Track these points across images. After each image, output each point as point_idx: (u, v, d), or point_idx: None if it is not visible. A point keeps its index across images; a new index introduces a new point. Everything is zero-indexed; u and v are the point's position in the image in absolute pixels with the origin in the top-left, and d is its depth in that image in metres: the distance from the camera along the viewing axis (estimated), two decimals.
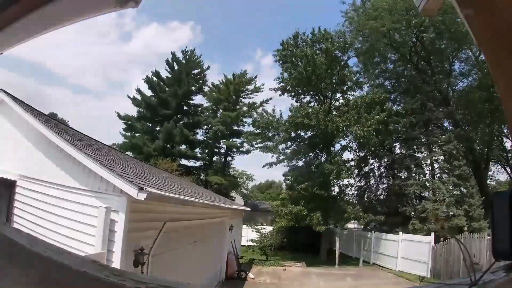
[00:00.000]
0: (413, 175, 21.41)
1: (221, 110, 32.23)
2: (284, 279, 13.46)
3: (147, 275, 4.74)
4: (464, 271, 11.35)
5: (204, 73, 33.40)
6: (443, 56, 22.31)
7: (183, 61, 32.27)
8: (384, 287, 12.94)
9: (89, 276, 0.58)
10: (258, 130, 21.56)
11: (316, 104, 21.02)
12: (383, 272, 15.62)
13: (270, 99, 30.78)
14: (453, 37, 19.94)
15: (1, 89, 6.38)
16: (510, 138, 20.37)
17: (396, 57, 23.36)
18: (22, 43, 0.97)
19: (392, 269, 15.67)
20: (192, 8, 60.39)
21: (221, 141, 31.85)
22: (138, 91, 30.72)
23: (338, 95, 21.39)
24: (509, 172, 23.25)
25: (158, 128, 30.39)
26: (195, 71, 32.85)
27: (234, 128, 31.55)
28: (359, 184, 23.82)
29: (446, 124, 22.15)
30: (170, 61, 32.27)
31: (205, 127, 32.56)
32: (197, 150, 32.21)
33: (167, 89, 31.06)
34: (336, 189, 20.67)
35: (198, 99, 34.51)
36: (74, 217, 4.93)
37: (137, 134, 29.73)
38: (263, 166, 21.16)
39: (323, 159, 20.19)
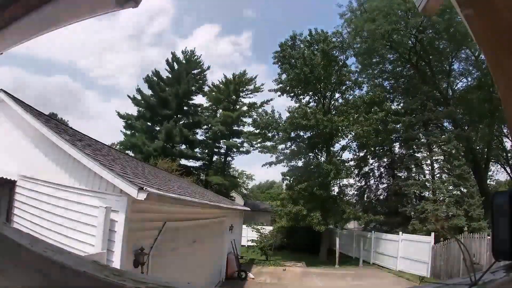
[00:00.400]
0: (413, 175, 21.42)
1: (221, 110, 32.25)
2: (284, 279, 13.45)
3: (147, 275, 4.74)
4: (464, 271, 11.36)
5: (204, 73, 33.46)
6: (442, 56, 22.32)
7: (183, 61, 32.30)
8: (384, 287, 12.94)
9: (89, 276, 0.58)
10: (258, 130, 21.57)
11: (315, 104, 21.03)
12: (383, 272, 15.62)
13: (271, 99, 30.86)
14: (453, 37, 19.95)
15: (1, 89, 6.38)
16: (510, 138, 20.38)
17: (395, 58, 23.37)
18: (22, 43, 0.97)
19: (392, 269, 15.67)
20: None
21: (221, 141, 31.88)
22: (138, 90, 30.77)
23: (337, 95, 21.43)
24: (509, 172, 23.26)
25: (158, 128, 30.41)
26: (195, 71, 32.88)
27: (234, 128, 31.57)
28: (359, 184, 23.86)
29: (446, 124, 22.18)
30: (170, 61, 32.31)
31: (205, 127, 32.60)
32: (197, 150, 32.24)
33: (167, 88, 31.09)
34: (336, 189, 20.69)
35: (198, 99, 34.56)
36: (74, 217, 4.93)
37: (137, 134, 29.74)
38: (263, 166, 21.20)
39: (322, 159, 20.20)
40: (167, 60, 32.38)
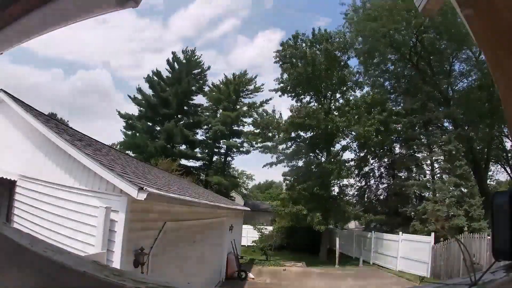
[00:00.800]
0: (413, 175, 21.41)
1: (221, 110, 32.25)
2: (284, 279, 13.45)
3: (147, 275, 4.74)
4: (464, 271, 11.35)
5: (205, 73, 33.47)
6: (443, 56, 22.31)
7: (184, 61, 32.31)
8: (384, 287, 12.94)
9: (89, 276, 0.58)
10: (258, 130, 21.56)
11: (316, 104, 21.02)
12: (383, 272, 15.61)
13: (270, 99, 30.84)
14: (453, 37, 19.93)
15: (1, 89, 6.38)
16: (510, 138, 20.37)
17: (396, 58, 23.35)
18: (22, 43, 0.97)
19: (392, 269, 15.66)
20: None
21: (221, 141, 31.87)
22: (139, 90, 30.79)
23: (338, 95, 21.41)
24: (509, 172, 23.24)
25: (158, 128, 30.43)
26: (195, 71, 32.89)
27: (234, 128, 31.57)
28: (359, 184, 23.84)
29: (446, 124, 22.16)
30: (171, 60, 32.33)
31: (205, 127, 32.59)
32: (197, 150, 32.25)
33: (167, 88, 31.10)
34: (336, 189, 20.69)
35: (199, 99, 34.56)
36: (74, 217, 4.93)
37: (137, 134, 29.76)
38: (263, 166, 21.19)
39: (323, 159, 20.20)
40: (167, 60, 32.43)
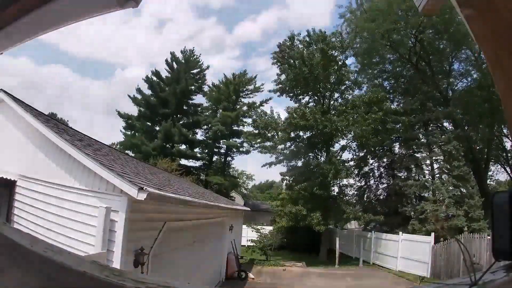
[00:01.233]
0: (412, 175, 21.42)
1: (221, 110, 32.25)
2: (284, 279, 13.46)
3: (147, 275, 4.73)
4: (464, 271, 11.36)
5: (204, 72, 33.48)
6: (442, 56, 22.32)
7: (183, 61, 32.31)
8: (384, 287, 12.94)
9: (88, 276, 0.58)
10: (257, 130, 21.57)
11: (314, 104, 21.02)
12: (383, 272, 15.62)
13: (270, 99, 30.85)
14: (453, 37, 19.95)
15: (1, 89, 6.38)
16: (510, 138, 20.38)
17: (395, 58, 23.36)
18: (22, 43, 0.97)
19: (392, 269, 15.67)
20: None
21: (221, 141, 31.87)
22: (138, 90, 30.79)
23: (337, 95, 21.41)
24: (509, 172, 23.24)
25: (158, 128, 30.44)
26: (194, 71, 32.90)
27: (234, 128, 31.57)
28: (358, 184, 23.84)
29: (446, 124, 22.18)
30: (170, 60, 32.33)
31: (205, 127, 32.60)
32: (197, 150, 32.26)
33: (166, 88, 31.10)
34: (336, 189, 20.68)
35: (198, 99, 34.65)
36: (74, 217, 4.93)
37: (137, 134, 29.77)
38: (263, 166, 21.20)
39: (322, 159, 20.19)
40: (166, 60, 32.45)
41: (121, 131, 30.74)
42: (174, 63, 32.28)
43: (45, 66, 60.73)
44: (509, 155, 23.17)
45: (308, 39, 20.19)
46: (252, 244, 20.08)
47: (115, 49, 59.39)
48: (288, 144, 20.85)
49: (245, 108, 31.83)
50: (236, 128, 31.67)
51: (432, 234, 14.43)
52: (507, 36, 0.65)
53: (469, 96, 20.88)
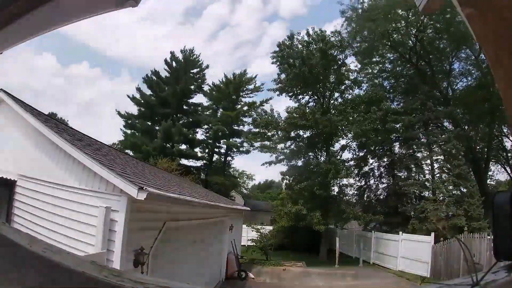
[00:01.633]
0: (412, 175, 21.40)
1: (221, 110, 32.25)
2: (284, 279, 13.46)
3: (146, 276, 4.74)
4: (464, 271, 11.36)
5: (203, 72, 33.47)
6: (442, 55, 22.31)
7: (182, 60, 32.31)
8: (384, 287, 12.94)
9: (87, 276, 0.58)
10: (257, 130, 21.58)
11: (314, 104, 21.03)
12: (383, 272, 15.62)
13: (270, 98, 30.87)
14: (453, 37, 19.93)
15: (1, 89, 6.38)
16: (510, 138, 20.37)
17: (395, 57, 23.35)
18: (22, 42, 0.97)
19: (392, 269, 15.67)
20: None
21: (221, 140, 31.87)
22: (138, 90, 30.80)
23: (336, 94, 21.41)
24: (509, 172, 23.23)
25: (157, 127, 30.44)
26: (194, 70, 32.89)
27: (234, 127, 31.58)
28: (358, 184, 23.82)
29: (446, 123, 22.15)
30: (169, 60, 32.32)
31: (205, 126, 32.61)
32: (197, 149, 32.28)
33: (166, 88, 31.10)
34: (336, 188, 20.69)
35: (198, 99, 34.65)
36: (74, 217, 4.93)
37: (137, 133, 29.79)
38: (262, 165, 21.21)
39: (322, 158, 20.20)
40: (165, 60, 32.45)
41: (121, 130, 30.80)
42: (173, 62, 32.28)
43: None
44: (509, 155, 23.15)
45: (307, 39, 20.19)
46: (252, 244, 20.08)
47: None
48: (288, 143, 20.87)
49: (245, 107, 31.85)
50: (236, 127, 31.70)
51: (432, 234, 14.43)
52: (508, 35, 0.65)
53: (469, 95, 20.87)
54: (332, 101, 21.14)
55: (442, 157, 19.63)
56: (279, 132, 20.40)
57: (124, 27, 53.61)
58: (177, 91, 30.26)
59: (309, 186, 18.25)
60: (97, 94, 61.36)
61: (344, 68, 20.68)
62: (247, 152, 32.03)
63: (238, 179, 36.33)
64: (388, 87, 24.03)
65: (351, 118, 18.54)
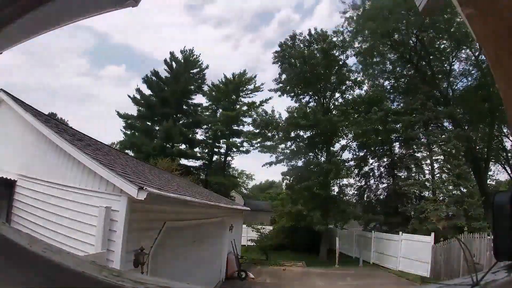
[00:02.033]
0: (412, 175, 21.38)
1: (221, 110, 32.26)
2: (284, 279, 13.45)
3: (146, 276, 4.74)
4: (464, 271, 11.36)
5: (203, 72, 33.47)
6: (443, 56, 22.31)
7: (182, 61, 32.31)
8: (384, 287, 12.93)
9: (87, 276, 0.58)
10: (257, 130, 21.57)
11: (315, 104, 21.02)
12: (383, 272, 15.61)
13: (270, 98, 30.86)
14: (453, 37, 19.93)
15: (1, 89, 6.38)
16: (510, 138, 20.37)
17: (396, 57, 23.35)
18: (21, 42, 0.97)
19: (393, 269, 15.67)
20: None
21: (221, 140, 31.87)
22: (138, 90, 30.80)
23: (337, 94, 21.41)
24: (509, 172, 23.22)
25: (157, 128, 30.45)
26: (194, 70, 32.90)
27: (234, 127, 31.58)
28: (359, 184, 23.81)
29: (446, 124, 22.13)
30: (169, 60, 32.32)
31: (205, 126, 32.61)
32: (197, 149, 32.28)
33: (166, 88, 31.11)
34: (336, 188, 20.69)
35: (198, 99, 34.68)
36: (74, 217, 4.93)
37: (136, 133, 29.80)
38: (263, 166, 21.20)
39: (322, 159, 20.20)
40: (165, 60, 32.45)
41: (121, 130, 30.81)
42: (173, 63, 32.29)
43: None
44: (509, 155, 23.14)
45: (309, 38, 20.18)
46: (252, 244, 20.09)
47: None
48: (289, 143, 20.86)
49: (245, 107, 31.85)
50: (236, 127, 31.69)
51: (432, 234, 14.42)
52: (508, 35, 0.65)
53: (469, 95, 20.87)
54: (332, 101, 21.14)
55: (442, 157, 19.63)
56: (280, 133, 20.38)
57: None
58: (177, 91, 30.26)
59: (309, 186, 18.25)
60: None
61: (345, 68, 20.67)
62: (247, 152, 32.04)
63: (238, 179, 36.32)
64: (388, 87, 24.04)
65: (351, 119, 18.52)
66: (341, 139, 20.76)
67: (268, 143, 21.09)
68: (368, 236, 18.56)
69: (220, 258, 11.69)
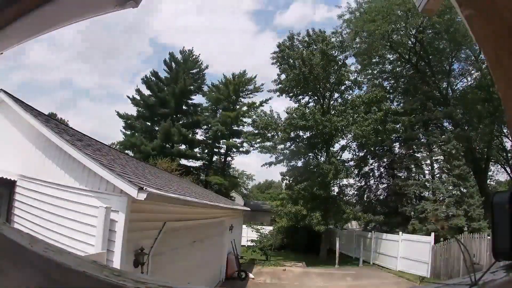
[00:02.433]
0: (412, 175, 21.39)
1: (220, 110, 32.25)
2: (284, 279, 13.45)
3: (147, 275, 4.74)
4: (464, 271, 11.36)
5: (203, 72, 33.46)
6: (442, 56, 22.32)
7: (181, 61, 32.32)
8: (384, 287, 12.94)
9: (88, 276, 0.58)
10: (257, 131, 21.55)
11: (314, 104, 21.00)
12: (383, 272, 15.62)
13: (270, 99, 30.88)
14: (453, 37, 19.95)
15: (1, 89, 6.38)
16: (510, 138, 20.37)
17: (395, 58, 23.36)
18: (22, 43, 0.97)
19: (392, 269, 15.67)
20: None
21: (221, 141, 31.87)
22: (137, 91, 30.80)
23: (336, 95, 21.38)
24: (509, 172, 23.24)
25: (157, 128, 30.45)
26: (193, 71, 32.90)
27: (234, 128, 31.58)
28: (358, 184, 23.82)
29: (446, 124, 22.15)
30: (168, 61, 32.32)
31: (205, 127, 32.62)
32: (196, 150, 32.26)
33: (165, 88, 31.11)
34: (336, 189, 20.67)
35: (198, 99, 34.73)
36: (74, 217, 4.93)
37: (136, 134, 29.80)
38: (262, 166, 21.19)
39: (322, 159, 20.18)
40: (164, 60, 32.49)
41: (121, 131, 30.81)
42: (172, 63, 32.28)
43: None
44: (509, 155, 23.16)
45: (307, 39, 20.16)
46: (252, 244, 20.08)
47: None
48: (288, 144, 20.84)
49: (245, 108, 31.85)
50: (236, 128, 31.69)
51: (432, 234, 14.43)
52: (508, 36, 0.65)
53: (469, 96, 20.88)
54: (332, 102, 21.11)
55: (442, 157, 19.63)
56: (279, 133, 20.36)
57: None
58: (176, 92, 30.26)
59: (309, 187, 18.24)
60: None
61: (344, 68, 20.65)
62: (247, 152, 32.04)
63: (238, 179, 36.31)
64: (388, 88, 24.04)
65: (351, 119, 18.51)
66: (340, 139, 20.74)
67: (268, 143, 21.07)
68: (368, 236, 18.57)
69: (220, 258, 11.69)
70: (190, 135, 30.79)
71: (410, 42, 21.87)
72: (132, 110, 32.62)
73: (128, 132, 30.39)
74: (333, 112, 19.70)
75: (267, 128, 20.42)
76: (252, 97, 32.70)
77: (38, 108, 6.95)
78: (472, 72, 21.81)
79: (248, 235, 21.15)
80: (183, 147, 31.16)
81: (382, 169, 23.79)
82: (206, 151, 32.77)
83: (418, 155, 21.47)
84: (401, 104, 22.62)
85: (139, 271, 4.72)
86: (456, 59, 22.44)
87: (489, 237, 11.35)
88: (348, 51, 21.00)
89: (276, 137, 20.76)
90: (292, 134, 20.33)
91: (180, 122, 31.33)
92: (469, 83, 22.40)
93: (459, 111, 21.31)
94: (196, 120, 31.85)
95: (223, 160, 32.94)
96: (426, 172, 21.50)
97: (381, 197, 23.28)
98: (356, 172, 22.98)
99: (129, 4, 0.86)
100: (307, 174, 19.30)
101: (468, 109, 21.12)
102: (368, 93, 20.41)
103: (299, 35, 20.50)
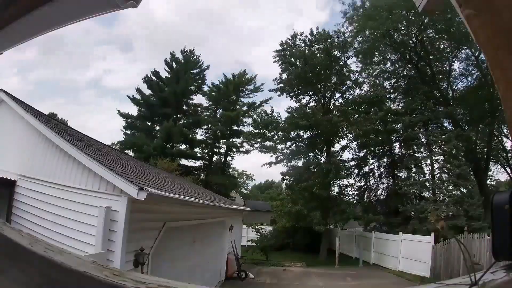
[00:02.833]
0: (412, 175, 21.38)
1: (221, 110, 32.25)
2: (284, 279, 13.45)
3: (147, 275, 4.73)
4: (464, 271, 11.35)
5: (204, 72, 33.47)
6: (443, 56, 22.31)
7: (182, 61, 32.32)
8: (384, 287, 12.93)
9: (89, 276, 0.58)
10: (257, 130, 21.55)
11: (315, 104, 21.00)
12: (383, 272, 15.61)
13: (270, 98, 30.87)
14: (453, 37, 19.94)
15: (1, 89, 6.38)
16: (510, 138, 20.35)
17: (396, 57, 23.34)
18: (22, 43, 0.97)
19: (393, 269, 15.66)
20: None
21: (221, 141, 31.87)
22: (138, 90, 30.80)
23: (337, 95, 21.39)
24: (509, 172, 23.23)
25: (157, 128, 30.46)
26: (194, 71, 32.90)
27: (234, 128, 31.58)
28: (359, 184, 23.81)
29: (446, 124, 22.13)
30: (169, 61, 32.32)
31: (205, 126, 32.62)
32: (197, 150, 32.27)
33: (166, 88, 31.11)
34: (336, 189, 20.68)
35: (198, 99, 34.69)
36: (74, 217, 4.93)
37: (137, 133, 29.80)
38: (262, 166, 21.19)
39: (322, 159, 20.19)
40: (165, 60, 32.46)
41: (121, 130, 30.82)
42: (173, 63, 32.29)
43: None
44: (509, 155, 23.14)
45: (310, 38, 20.16)
46: (252, 244, 20.08)
47: None
48: (289, 143, 20.84)
49: (245, 108, 31.85)
50: (236, 128, 31.69)
51: (432, 234, 14.41)
52: (508, 36, 0.65)
53: (469, 95, 20.87)
54: (333, 102, 21.13)
55: (442, 157, 19.62)
56: (279, 133, 20.36)
57: None
58: (177, 92, 30.26)
59: (309, 186, 18.24)
60: None
61: (346, 68, 20.65)
62: (247, 152, 32.04)
63: (238, 179, 36.31)
64: (388, 88, 24.04)
65: (351, 119, 18.50)
66: (341, 139, 20.74)
67: (268, 143, 21.06)
68: (368, 236, 18.55)
69: (220, 258, 11.69)
70: (191, 135, 30.81)
71: (411, 41, 21.86)
72: (133, 110, 32.68)
73: (129, 132, 30.40)
74: (334, 112, 19.71)
75: (268, 127, 20.42)
76: (252, 97, 32.76)
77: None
78: (473, 72, 21.80)
79: (248, 235, 21.14)
80: (183, 147, 31.18)
81: (382, 169, 23.78)
82: (206, 151, 32.77)
83: (418, 155, 21.46)
84: (402, 104, 22.62)
85: (139, 271, 4.72)
86: (457, 58, 22.44)
87: (489, 237, 11.34)
88: (350, 50, 21.03)
89: (276, 136, 20.76)
90: (292, 134, 20.34)
91: (181, 122, 31.35)
92: (469, 83, 22.39)
93: (460, 111, 21.30)
94: (197, 120, 31.87)
95: (223, 160, 32.94)
96: (426, 172, 21.49)
97: (381, 197, 23.27)
98: (356, 172, 22.98)
99: (129, 4, 0.86)
100: (308, 174, 19.30)
101: (468, 109, 21.12)
102: (369, 93, 20.42)
103: (302, 34, 20.52)
